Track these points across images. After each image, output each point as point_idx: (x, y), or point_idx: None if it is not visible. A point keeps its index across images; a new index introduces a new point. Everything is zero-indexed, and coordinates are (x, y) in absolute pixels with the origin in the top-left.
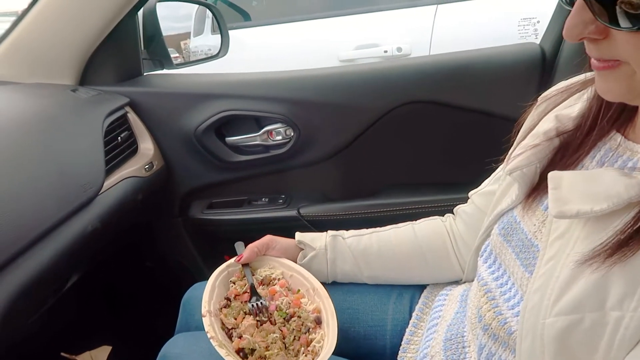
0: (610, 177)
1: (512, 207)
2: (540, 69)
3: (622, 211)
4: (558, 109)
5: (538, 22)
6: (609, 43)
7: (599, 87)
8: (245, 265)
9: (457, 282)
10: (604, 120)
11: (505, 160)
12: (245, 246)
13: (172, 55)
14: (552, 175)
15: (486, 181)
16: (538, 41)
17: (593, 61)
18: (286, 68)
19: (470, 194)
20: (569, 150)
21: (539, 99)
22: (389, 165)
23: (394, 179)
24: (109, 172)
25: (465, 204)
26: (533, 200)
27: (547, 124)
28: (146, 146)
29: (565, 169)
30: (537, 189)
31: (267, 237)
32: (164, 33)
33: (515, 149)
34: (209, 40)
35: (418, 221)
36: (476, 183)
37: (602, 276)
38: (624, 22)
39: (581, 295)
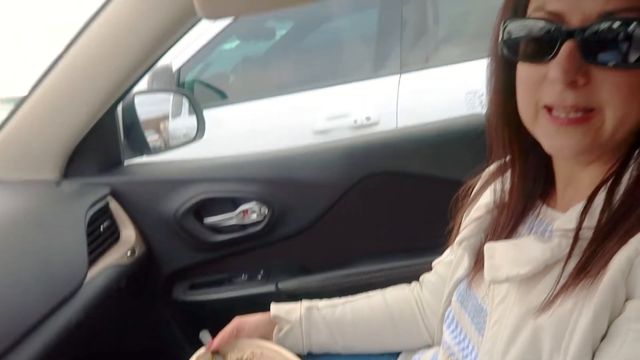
0: (532, 243)
1: (466, 275)
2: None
3: (544, 273)
4: (497, 182)
5: (482, 95)
6: (589, 89)
7: (558, 144)
8: (215, 352)
9: (428, 346)
10: (525, 193)
11: (454, 229)
12: (219, 330)
13: (153, 137)
14: (487, 247)
15: (447, 251)
16: (484, 111)
17: (557, 119)
18: (264, 141)
19: (433, 263)
20: (504, 220)
21: (484, 173)
22: (360, 234)
23: (366, 247)
24: (91, 262)
25: (430, 273)
26: (481, 268)
27: (488, 198)
28: (128, 233)
29: (505, 237)
30: (482, 257)
31: (235, 321)
32: (144, 117)
33: (464, 220)
34: (187, 122)
35: (388, 289)
36: (441, 245)
37: (534, 335)
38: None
39: (521, 353)
